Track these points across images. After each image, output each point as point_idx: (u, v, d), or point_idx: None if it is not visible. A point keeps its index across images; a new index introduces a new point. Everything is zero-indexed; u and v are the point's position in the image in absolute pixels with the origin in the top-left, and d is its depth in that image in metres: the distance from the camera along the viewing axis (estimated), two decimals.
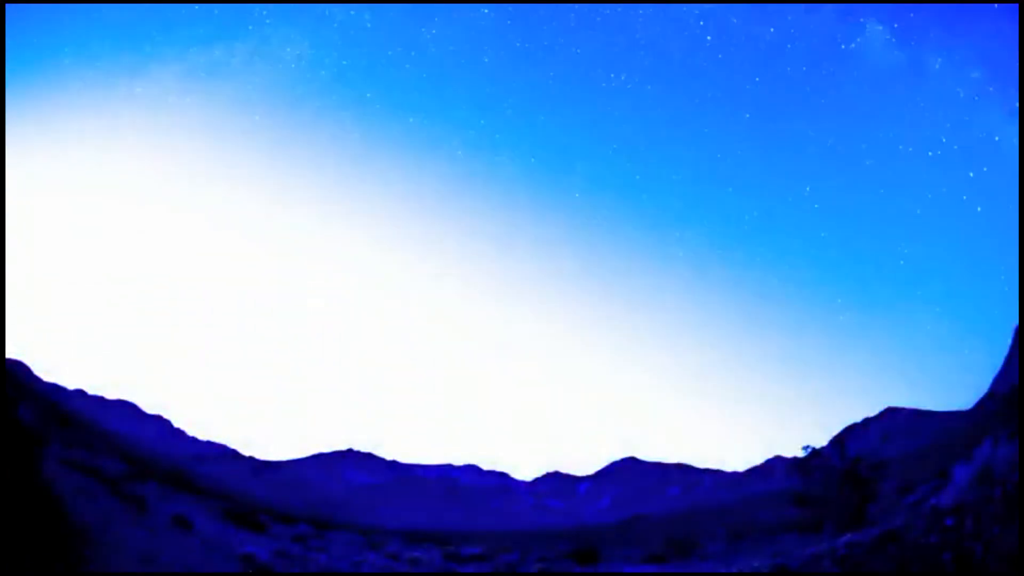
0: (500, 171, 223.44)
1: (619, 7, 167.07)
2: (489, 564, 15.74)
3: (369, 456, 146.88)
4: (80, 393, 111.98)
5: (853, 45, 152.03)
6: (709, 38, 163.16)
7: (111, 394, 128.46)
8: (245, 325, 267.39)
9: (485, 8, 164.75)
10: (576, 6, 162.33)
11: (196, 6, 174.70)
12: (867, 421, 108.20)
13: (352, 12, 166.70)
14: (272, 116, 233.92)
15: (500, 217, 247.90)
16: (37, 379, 70.76)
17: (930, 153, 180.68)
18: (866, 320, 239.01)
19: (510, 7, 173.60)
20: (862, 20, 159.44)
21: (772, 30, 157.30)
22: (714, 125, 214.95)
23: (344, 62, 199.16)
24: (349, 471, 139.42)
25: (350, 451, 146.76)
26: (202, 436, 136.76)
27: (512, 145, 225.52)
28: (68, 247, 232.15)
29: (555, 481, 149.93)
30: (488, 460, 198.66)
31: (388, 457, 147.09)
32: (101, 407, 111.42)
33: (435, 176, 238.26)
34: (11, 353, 53.01)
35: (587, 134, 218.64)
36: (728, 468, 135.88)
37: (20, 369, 62.31)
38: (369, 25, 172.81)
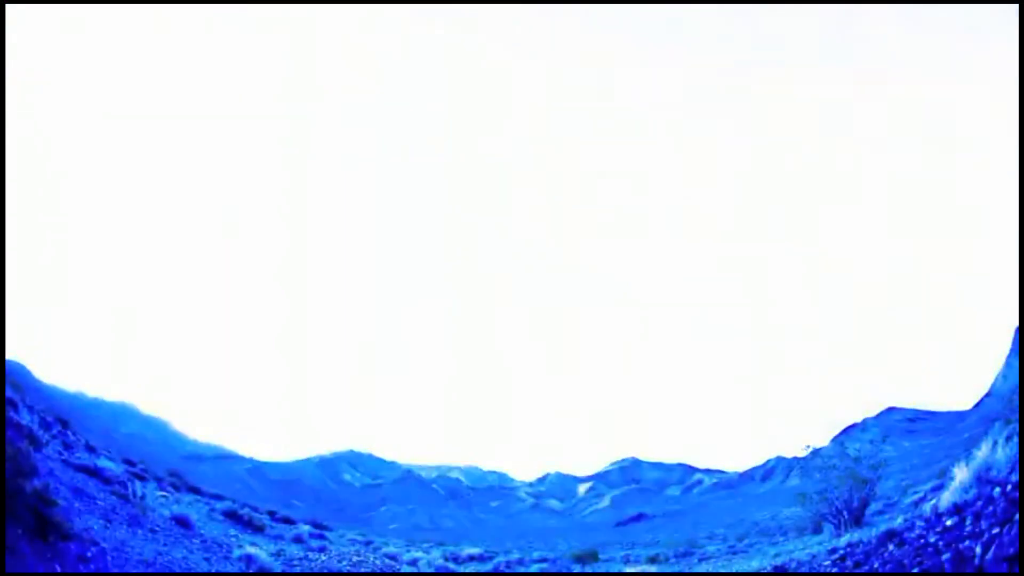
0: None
1: None
2: (489, 564, 15.74)
3: (369, 456, 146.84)
4: (80, 394, 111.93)
5: (860, 35, 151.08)
6: None
7: (111, 395, 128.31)
8: (245, 324, 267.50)
9: None
10: None
11: None
12: (867, 421, 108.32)
13: None
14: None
15: (497, 216, 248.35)
16: (37, 380, 70.78)
17: (935, 146, 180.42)
18: (866, 319, 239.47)
19: None
20: (870, 10, 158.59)
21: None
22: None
23: None
24: (349, 471, 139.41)
25: (350, 451, 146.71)
26: (202, 437, 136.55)
27: None
28: (68, 247, 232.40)
29: (555, 481, 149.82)
30: (488, 460, 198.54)
31: (388, 457, 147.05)
32: (101, 408, 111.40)
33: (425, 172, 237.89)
34: (11, 354, 53.04)
35: None
36: (728, 468, 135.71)
37: (20, 370, 62.35)
38: None
